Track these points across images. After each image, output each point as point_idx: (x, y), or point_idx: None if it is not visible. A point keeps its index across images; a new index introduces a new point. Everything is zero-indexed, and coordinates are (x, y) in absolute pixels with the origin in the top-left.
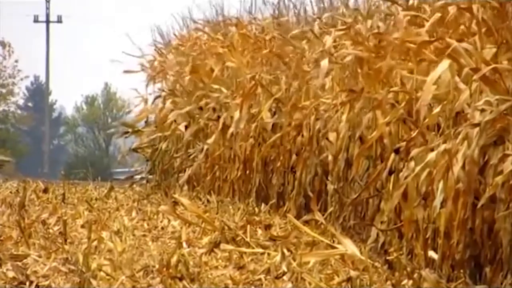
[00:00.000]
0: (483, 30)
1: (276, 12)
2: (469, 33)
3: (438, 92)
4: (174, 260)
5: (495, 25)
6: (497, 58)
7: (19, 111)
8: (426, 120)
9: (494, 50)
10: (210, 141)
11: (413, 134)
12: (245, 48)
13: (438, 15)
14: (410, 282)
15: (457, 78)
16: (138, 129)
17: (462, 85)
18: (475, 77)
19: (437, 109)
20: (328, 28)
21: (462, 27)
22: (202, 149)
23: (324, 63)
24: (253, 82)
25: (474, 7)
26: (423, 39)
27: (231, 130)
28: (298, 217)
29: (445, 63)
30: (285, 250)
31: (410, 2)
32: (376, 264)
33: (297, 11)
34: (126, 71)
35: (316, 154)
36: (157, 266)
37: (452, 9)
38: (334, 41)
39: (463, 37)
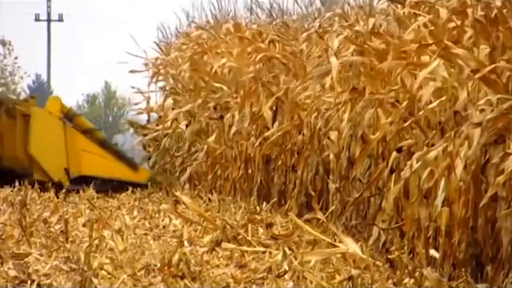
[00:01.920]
0: (478, 31)
1: (275, 13)
2: (464, 35)
3: (437, 89)
4: (175, 258)
5: (490, 26)
6: (493, 59)
7: None
8: (421, 112)
9: (489, 50)
10: (211, 139)
11: (416, 135)
12: (243, 49)
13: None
14: (412, 280)
15: (456, 78)
16: (143, 125)
17: (461, 85)
18: (476, 76)
19: (434, 104)
20: (329, 27)
21: (459, 28)
22: (206, 148)
23: (333, 60)
24: (253, 81)
25: (469, 10)
26: (420, 42)
27: (232, 129)
28: (299, 215)
29: (437, 61)
30: (286, 249)
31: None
32: (378, 262)
33: (299, 9)
34: (132, 71)
35: (318, 152)
36: (158, 265)
37: (447, 11)
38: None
39: (460, 38)
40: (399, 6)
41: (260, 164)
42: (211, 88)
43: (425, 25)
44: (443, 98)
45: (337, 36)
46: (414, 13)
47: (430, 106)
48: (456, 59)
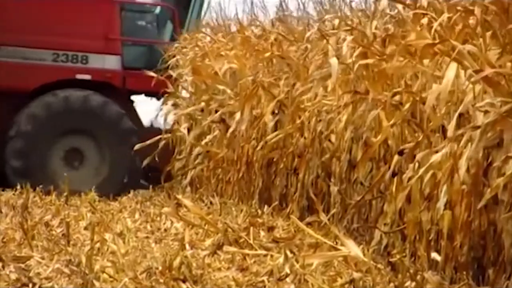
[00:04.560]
0: (488, 32)
1: (279, 12)
2: (475, 35)
3: (443, 93)
4: (177, 262)
5: (499, 27)
6: (501, 60)
7: None
8: (431, 123)
9: (498, 52)
10: (209, 137)
11: (419, 138)
12: (246, 50)
13: (445, 16)
14: (413, 284)
15: (462, 79)
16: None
17: (466, 87)
18: (474, 78)
19: (440, 110)
20: (330, 29)
21: (467, 29)
22: (207, 152)
23: (334, 63)
24: (255, 84)
25: (477, 9)
26: (427, 41)
27: (234, 132)
28: (301, 219)
29: (453, 66)
30: (288, 252)
31: (418, 4)
32: (379, 266)
33: (300, 11)
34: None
35: (319, 155)
36: (160, 268)
37: (457, 11)
38: (338, 42)
39: (468, 39)
40: (405, 8)
41: (262, 167)
42: (212, 91)
43: (429, 25)
44: (449, 104)
45: (339, 39)
46: (423, 14)
47: (438, 113)
48: (463, 60)
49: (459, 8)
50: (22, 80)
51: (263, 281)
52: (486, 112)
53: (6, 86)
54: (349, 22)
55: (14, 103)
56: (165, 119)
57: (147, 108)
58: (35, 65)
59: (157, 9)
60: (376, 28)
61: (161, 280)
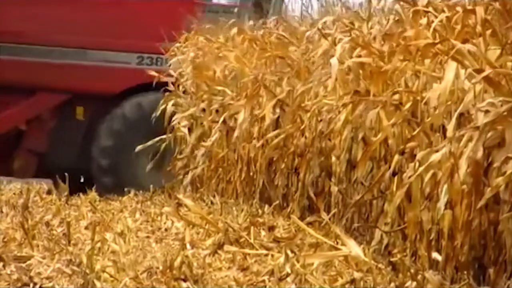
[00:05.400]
0: (488, 31)
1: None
2: (474, 34)
3: (443, 93)
4: (177, 261)
5: (500, 26)
6: (501, 60)
7: None
8: (429, 119)
9: (499, 51)
10: (212, 138)
11: (419, 137)
12: (247, 50)
13: (443, 15)
14: (414, 283)
15: (462, 79)
16: None
17: (467, 86)
18: (475, 80)
19: (440, 110)
20: (330, 29)
21: (467, 28)
22: (208, 152)
23: (334, 61)
24: (256, 84)
25: (478, 8)
26: (427, 41)
27: (234, 132)
28: (301, 218)
29: (452, 66)
30: (288, 252)
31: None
32: (380, 265)
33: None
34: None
35: (319, 155)
36: (160, 268)
37: (458, 10)
38: (334, 43)
39: (469, 38)
40: (404, 9)
41: (263, 167)
42: (213, 92)
43: (429, 25)
44: (449, 103)
45: (337, 40)
46: (425, 11)
47: (437, 112)
48: (464, 59)
49: (458, 8)
50: (106, 84)
51: (263, 280)
52: (486, 112)
53: (91, 89)
54: (347, 22)
55: (98, 106)
56: (170, 119)
57: None
58: (120, 68)
59: (236, 9)
60: (371, 28)
61: (162, 280)
